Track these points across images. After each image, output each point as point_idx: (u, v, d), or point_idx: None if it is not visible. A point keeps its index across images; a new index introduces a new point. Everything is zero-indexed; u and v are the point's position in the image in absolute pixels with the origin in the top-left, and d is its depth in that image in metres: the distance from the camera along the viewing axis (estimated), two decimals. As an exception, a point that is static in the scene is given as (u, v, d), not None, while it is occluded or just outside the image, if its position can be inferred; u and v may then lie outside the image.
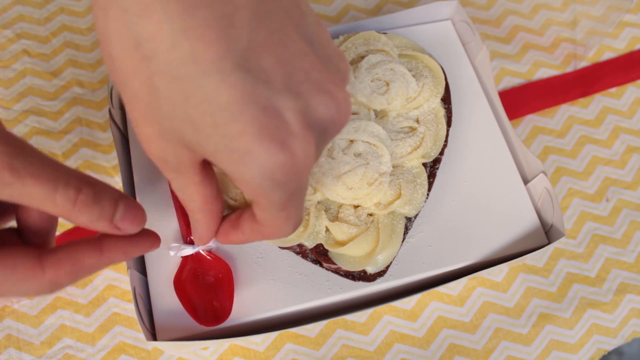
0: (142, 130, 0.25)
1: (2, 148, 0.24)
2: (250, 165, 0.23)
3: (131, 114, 0.25)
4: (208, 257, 0.42)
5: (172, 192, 0.45)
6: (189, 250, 0.41)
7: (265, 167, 0.23)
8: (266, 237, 0.30)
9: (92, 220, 0.26)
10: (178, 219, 0.44)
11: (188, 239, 0.43)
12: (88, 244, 0.27)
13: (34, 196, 0.25)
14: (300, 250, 0.42)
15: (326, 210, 0.42)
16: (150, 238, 0.30)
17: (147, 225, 0.44)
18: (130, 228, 0.28)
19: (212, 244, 0.43)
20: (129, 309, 0.46)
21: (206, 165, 0.27)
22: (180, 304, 0.41)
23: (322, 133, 0.25)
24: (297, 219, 0.28)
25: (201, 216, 0.30)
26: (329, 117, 0.25)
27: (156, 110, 0.23)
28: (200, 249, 0.42)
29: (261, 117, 0.22)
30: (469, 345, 0.46)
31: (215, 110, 0.22)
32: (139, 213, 0.28)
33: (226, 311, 0.40)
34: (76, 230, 0.48)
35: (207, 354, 0.44)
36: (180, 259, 0.42)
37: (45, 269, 0.26)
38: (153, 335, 0.40)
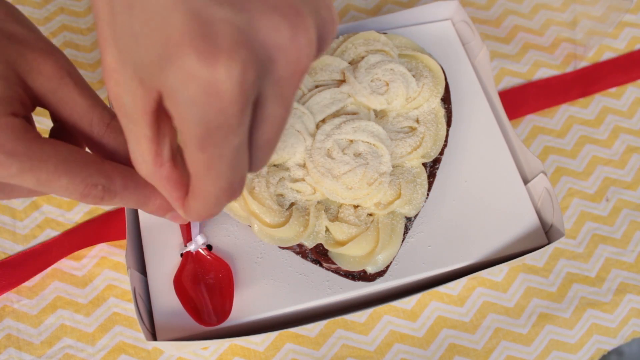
0: (104, 59, 0.23)
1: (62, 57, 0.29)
2: (170, 76, 0.20)
3: (98, 42, 0.23)
4: (208, 257, 0.42)
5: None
6: (191, 247, 0.41)
7: (182, 79, 0.20)
8: (192, 199, 0.26)
9: (122, 144, 0.30)
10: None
11: (188, 237, 0.43)
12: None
13: (76, 110, 0.29)
14: (300, 250, 0.42)
15: (326, 210, 0.42)
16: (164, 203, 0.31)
17: (147, 226, 0.44)
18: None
19: (207, 243, 0.43)
20: (129, 308, 0.46)
21: (162, 119, 0.24)
22: (180, 304, 0.41)
23: (265, 63, 0.21)
24: (222, 176, 0.23)
25: (155, 181, 0.27)
26: (277, 45, 0.21)
27: (113, 30, 0.21)
28: (195, 248, 0.42)
29: (189, 22, 0.19)
30: (469, 345, 0.46)
31: (151, 16, 0.20)
32: None
33: (226, 311, 0.40)
34: (76, 230, 0.48)
35: (207, 354, 0.44)
36: (180, 259, 0.42)
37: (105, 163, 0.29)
38: (153, 335, 0.40)
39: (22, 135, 0.26)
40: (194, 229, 0.43)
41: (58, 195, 0.28)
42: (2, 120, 0.26)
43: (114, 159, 0.30)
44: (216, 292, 0.41)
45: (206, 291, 0.41)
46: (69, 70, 0.29)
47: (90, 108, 0.30)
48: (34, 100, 0.29)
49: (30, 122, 0.30)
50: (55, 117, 0.31)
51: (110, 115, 0.30)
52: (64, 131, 0.33)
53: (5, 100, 0.27)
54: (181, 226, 0.43)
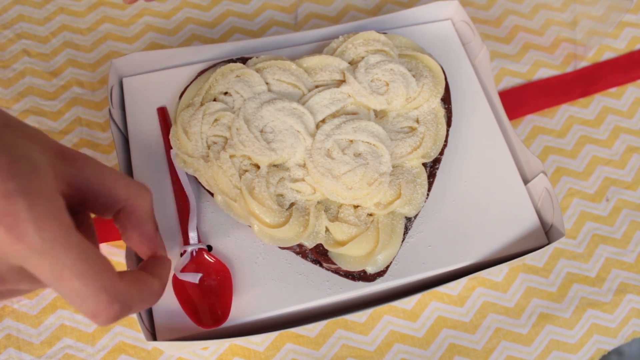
0: None
1: None
2: None
3: None
4: (209, 258, 0.42)
5: (175, 194, 0.45)
6: (191, 277, 0.41)
7: None
8: None
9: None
10: (180, 221, 0.44)
11: (188, 237, 0.43)
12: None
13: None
14: (300, 250, 0.42)
15: (326, 210, 0.42)
16: (168, 267, 0.34)
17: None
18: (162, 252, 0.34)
19: (208, 244, 0.43)
20: (129, 309, 0.45)
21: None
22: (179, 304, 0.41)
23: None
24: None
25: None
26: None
27: None
28: (197, 248, 0.42)
29: None
30: (469, 345, 0.46)
31: None
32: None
33: (224, 314, 0.40)
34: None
35: (207, 354, 0.44)
36: (180, 258, 0.42)
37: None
38: (153, 335, 0.40)
39: (58, 216, 0.25)
40: (192, 232, 0.43)
41: (70, 303, 0.26)
42: (53, 196, 0.25)
43: (141, 226, 0.31)
44: (215, 294, 0.41)
45: (205, 293, 0.41)
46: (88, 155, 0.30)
47: (122, 175, 0.30)
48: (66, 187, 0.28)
49: None
50: (86, 198, 0.30)
51: (143, 183, 0.32)
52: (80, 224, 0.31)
53: (56, 181, 0.26)
54: (181, 226, 0.43)
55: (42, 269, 0.24)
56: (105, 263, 0.26)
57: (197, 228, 0.43)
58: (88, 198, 0.29)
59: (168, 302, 0.41)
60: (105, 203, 0.30)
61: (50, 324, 0.45)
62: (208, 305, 0.41)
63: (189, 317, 0.40)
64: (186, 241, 0.43)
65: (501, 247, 0.45)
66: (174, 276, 0.41)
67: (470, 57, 0.53)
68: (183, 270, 0.41)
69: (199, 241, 0.43)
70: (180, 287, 0.41)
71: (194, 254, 0.42)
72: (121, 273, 0.27)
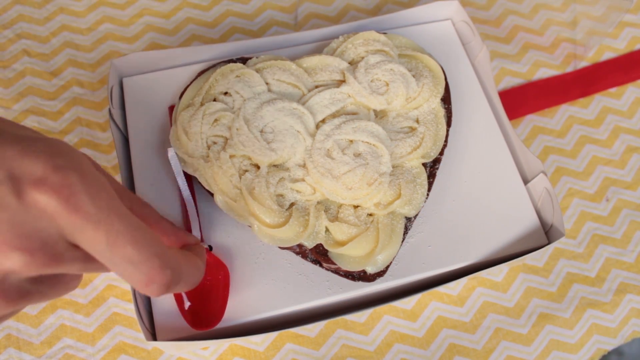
0: None
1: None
2: None
3: None
4: (208, 257, 0.42)
5: (180, 193, 0.45)
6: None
7: None
8: None
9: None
10: (184, 221, 0.44)
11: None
12: None
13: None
14: (300, 250, 0.42)
15: (326, 210, 0.42)
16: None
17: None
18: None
19: (208, 244, 0.43)
20: (129, 309, 0.46)
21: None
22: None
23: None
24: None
25: None
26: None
27: None
28: None
29: None
30: (469, 345, 0.46)
31: None
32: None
33: (217, 316, 0.40)
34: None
35: (207, 354, 0.44)
36: None
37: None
38: (153, 335, 0.40)
39: (106, 187, 0.25)
40: (194, 231, 0.43)
41: (122, 274, 0.26)
42: (95, 171, 0.25)
43: (158, 226, 0.33)
44: (211, 295, 0.41)
45: (200, 294, 0.41)
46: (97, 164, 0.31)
47: (124, 187, 0.32)
48: None
49: None
50: None
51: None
52: None
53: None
54: (185, 226, 0.43)
55: (98, 239, 0.24)
56: (153, 233, 0.27)
57: (200, 228, 0.43)
58: None
59: (168, 302, 0.41)
60: None
61: (50, 324, 0.45)
62: (201, 306, 0.41)
63: (183, 318, 0.40)
64: None
65: (501, 247, 0.45)
66: None
67: (470, 57, 0.53)
68: None
69: (202, 241, 0.43)
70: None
71: None
72: (168, 246, 0.28)
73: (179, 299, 0.41)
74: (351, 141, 0.43)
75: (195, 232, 0.43)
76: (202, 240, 0.43)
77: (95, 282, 0.46)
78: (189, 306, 0.40)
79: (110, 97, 0.47)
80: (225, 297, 0.41)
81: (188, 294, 0.41)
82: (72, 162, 0.24)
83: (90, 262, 0.26)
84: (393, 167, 0.43)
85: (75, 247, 0.25)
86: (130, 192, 0.32)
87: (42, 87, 0.54)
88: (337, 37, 0.49)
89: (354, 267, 0.40)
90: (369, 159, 0.42)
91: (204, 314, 0.40)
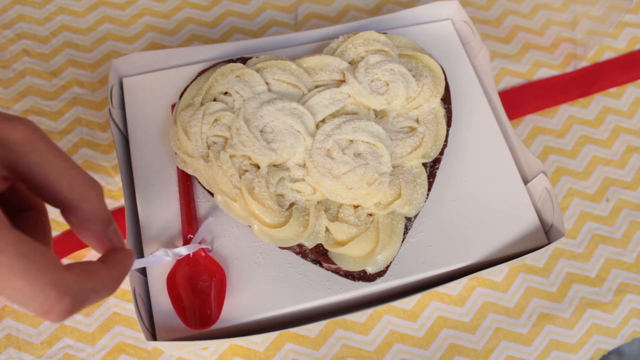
0: None
1: None
2: None
3: None
4: (205, 259, 0.42)
5: (179, 189, 0.45)
6: (183, 251, 0.41)
7: None
8: None
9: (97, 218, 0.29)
10: (181, 216, 0.44)
11: (188, 237, 0.43)
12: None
13: (53, 171, 0.27)
14: (300, 250, 0.42)
15: (326, 210, 0.42)
16: (129, 257, 0.31)
17: (147, 225, 0.44)
18: (118, 242, 0.30)
19: (207, 246, 0.43)
20: (129, 309, 0.46)
21: None
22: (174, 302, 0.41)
23: None
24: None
25: None
26: None
27: None
28: (195, 249, 0.42)
29: None
30: (469, 345, 0.46)
31: None
32: (121, 236, 0.31)
33: (214, 316, 0.40)
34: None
35: (207, 354, 0.44)
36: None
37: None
38: (153, 335, 0.40)
39: None
40: (199, 233, 0.42)
41: (18, 304, 0.24)
42: None
43: (86, 226, 0.29)
44: (207, 296, 0.41)
45: (197, 294, 0.41)
46: (40, 134, 0.27)
47: (69, 169, 0.28)
48: (5, 171, 0.27)
49: None
50: (30, 187, 0.28)
51: (92, 179, 0.29)
52: (27, 220, 0.30)
53: None
54: (182, 223, 0.43)
55: None
56: (49, 257, 0.24)
57: (198, 229, 0.43)
58: (33, 187, 0.28)
59: (168, 302, 0.41)
60: (48, 198, 0.28)
61: (50, 324, 0.45)
62: (199, 306, 0.41)
63: (179, 317, 0.40)
64: (185, 241, 0.43)
65: (501, 247, 0.45)
66: (168, 276, 0.41)
67: (470, 57, 0.53)
68: (177, 268, 0.41)
69: (200, 242, 0.43)
70: (173, 285, 0.41)
71: (191, 255, 0.42)
72: (68, 265, 0.26)
73: (174, 297, 0.41)
74: (351, 141, 0.43)
75: (198, 235, 0.43)
76: (200, 242, 0.43)
77: (95, 282, 0.46)
78: (184, 305, 0.40)
79: (110, 97, 0.47)
80: (222, 298, 0.41)
81: (184, 293, 0.41)
82: None
83: None
84: (393, 167, 0.43)
85: None
86: (75, 173, 0.28)
87: (42, 87, 0.54)
88: (337, 37, 0.49)
89: (354, 267, 0.40)
90: (369, 158, 0.42)
91: (199, 313, 0.40)
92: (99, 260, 0.29)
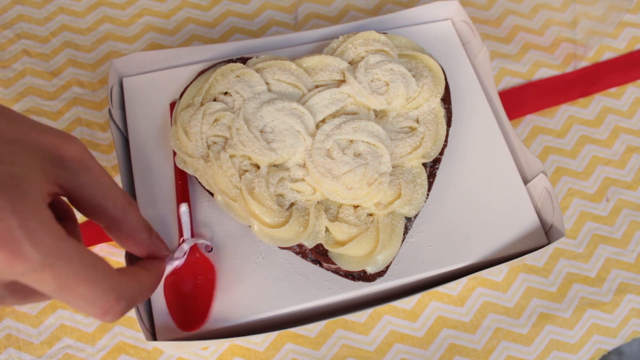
0: None
1: None
2: None
3: None
4: (199, 259, 0.42)
5: (176, 191, 0.45)
6: (185, 247, 0.41)
7: None
8: None
9: (139, 226, 0.32)
10: (178, 221, 0.44)
11: (181, 239, 0.42)
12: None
13: (100, 189, 0.29)
14: (300, 250, 0.42)
15: (326, 210, 0.42)
16: (162, 265, 0.35)
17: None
18: (162, 250, 0.34)
19: (204, 241, 0.43)
20: (129, 309, 0.46)
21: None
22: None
23: None
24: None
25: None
26: None
27: None
28: (192, 243, 0.41)
29: None
30: (469, 345, 0.46)
31: None
32: (165, 244, 0.36)
33: (201, 317, 0.40)
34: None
35: (207, 354, 0.44)
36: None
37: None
38: (153, 335, 0.40)
39: (51, 227, 0.24)
40: (184, 226, 0.42)
41: (76, 309, 0.26)
42: (40, 209, 0.24)
43: (132, 237, 0.32)
44: (197, 296, 0.41)
45: (188, 294, 0.41)
46: (89, 154, 0.29)
47: (112, 187, 0.30)
48: (57, 188, 0.28)
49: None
50: (74, 202, 0.29)
51: (127, 194, 0.31)
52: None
53: (43, 189, 0.25)
54: (179, 226, 0.43)
55: (45, 283, 0.24)
56: (104, 263, 0.27)
57: (191, 226, 0.43)
58: (79, 203, 0.29)
59: (168, 302, 0.41)
60: (93, 214, 0.30)
61: (50, 324, 0.45)
62: (186, 307, 0.41)
63: (172, 319, 0.40)
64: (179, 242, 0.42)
65: (501, 247, 0.45)
66: (166, 278, 0.41)
67: (470, 57, 0.53)
68: (174, 271, 0.41)
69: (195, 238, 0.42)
70: (168, 289, 0.41)
71: (184, 255, 0.42)
72: (120, 270, 0.28)
73: (169, 300, 0.41)
74: (351, 141, 0.43)
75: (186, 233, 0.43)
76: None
77: (95, 282, 0.46)
78: (177, 307, 0.40)
79: (110, 97, 0.47)
80: (210, 298, 0.41)
81: (173, 296, 0.41)
82: (11, 199, 0.23)
83: (31, 296, 0.26)
84: (393, 167, 0.43)
85: (14, 283, 0.25)
86: (116, 190, 0.30)
87: (42, 87, 0.54)
88: (337, 37, 0.49)
89: (354, 267, 0.40)
90: (369, 159, 0.42)
91: (188, 315, 0.40)
92: (139, 266, 0.32)
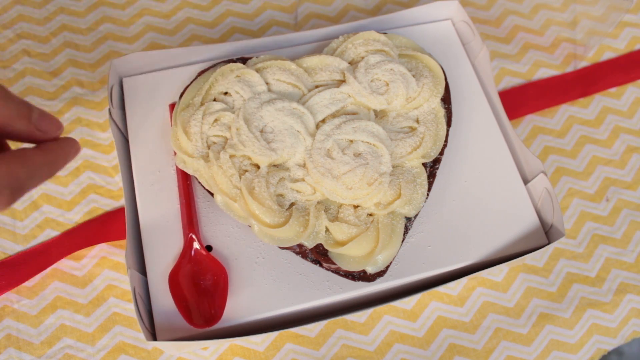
0: None
1: None
2: None
3: None
4: (207, 258, 0.42)
5: (179, 189, 0.45)
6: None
7: None
8: None
9: (11, 116, 0.28)
10: (181, 216, 0.44)
11: (190, 235, 0.43)
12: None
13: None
14: (300, 250, 0.42)
15: (326, 210, 0.42)
16: (70, 143, 0.31)
17: (147, 226, 0.44)
18: (50, 128, 0.30)
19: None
20: (129, 309, 0.46)
21: None
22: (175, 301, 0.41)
23: None
24: None
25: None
26: None
27: None
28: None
29: None
30: (469, 345, 0.46)
31: None
32: (54, 117, 0.30)
33: (218, 313, 0.40)
34: (76, 230, 0.48)
35: (207, 354, 0.44)
36: (178, 256, 0.42)
37: None
38: (153, 335, 0.40)
39: None
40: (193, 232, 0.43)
41: None
42: None
43: (11, 122, 0.29)
44: (210, 294, 0.41)
45: (201, 293, 0.41)
46: None
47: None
48: None
49: None
50: None
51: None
52: None
53: None
54: (183, 226, 0.43)
55: None
56: None
57: (198, 228, 0.43)
58: None
59: (168, 302, 0.41)
60: None
61: (50, 324, 0.45)
62: (202, 304, 0.41)
63: (182, 316, 0.40)
64: (186, 241, 0.43)
65: (501, 247, 0.45)
66: (170, 275, 0.41)
67: (470, 57, 0.53)
68: (179, 268, 0.41)
69: (200, 241, 0.43)
70: (175, 286, 0.41)
71: (193, 253, 0.42)
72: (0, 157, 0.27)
73: (177, 296, 0.41)
74: (351, 141, 0.43)
75: (194, 232, 0.43)
76: (200, 241, 0.43)
77: (95, 282, 0.46)
78: (188, 304, 0.41)
79: (110, 97, 0.47)
80: (225, 295, 0.41)
81: (187, 292, 0.41)
82: None
83: None
84: (393, 167, 0.43)
85: None
86: None
87: (42, 87, 0.54)
88: (337, 37, 0.49)
89: (354, 267, 0.40)
90: (369, 158, 0.42)
91: (203, 311, 0.41)
92: (35, 147, 0.29)
